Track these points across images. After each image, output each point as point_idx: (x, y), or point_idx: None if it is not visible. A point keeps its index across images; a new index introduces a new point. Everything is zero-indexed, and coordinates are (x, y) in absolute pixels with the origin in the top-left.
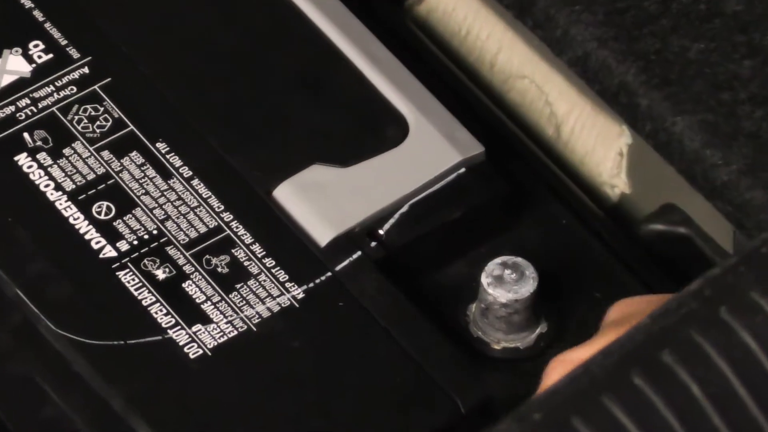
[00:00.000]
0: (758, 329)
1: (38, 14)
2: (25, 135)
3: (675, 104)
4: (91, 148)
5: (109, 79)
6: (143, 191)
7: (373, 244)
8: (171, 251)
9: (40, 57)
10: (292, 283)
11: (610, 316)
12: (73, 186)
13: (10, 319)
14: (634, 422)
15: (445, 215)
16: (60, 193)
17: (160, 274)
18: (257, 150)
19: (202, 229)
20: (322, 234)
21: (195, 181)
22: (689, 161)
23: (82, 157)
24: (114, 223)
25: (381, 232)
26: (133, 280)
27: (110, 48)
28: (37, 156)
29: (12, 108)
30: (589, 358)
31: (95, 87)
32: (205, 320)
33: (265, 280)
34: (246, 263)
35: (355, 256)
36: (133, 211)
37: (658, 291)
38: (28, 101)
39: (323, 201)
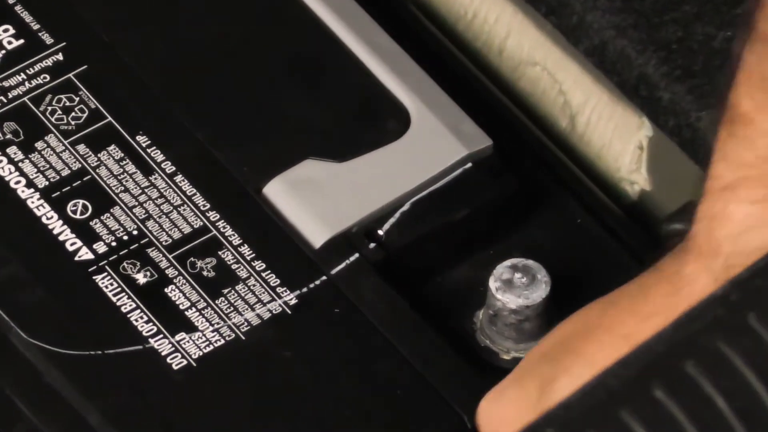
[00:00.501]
0: None
1: None
2: None
3: (699, 98)
4: (65, 142)
5: (85, 66)
6: (122, 188)
7: (372, 245)
8: (152, 253)
9: (10, 43)
10: (284, 288)
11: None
12: (46, 183)
13: None
14: None
15: (450, 214)
16: (32, 190)
17: (141, 278)
18: (246, 144)
19: (187, 230)
20: (317, 235)
21: (178, 178)
22: None
23: (56, 152)
24: (90, 223)
25: (380, 232)
26: (112, 284)
27: (86, 33)
28: (7, 150)
29: None
30: (604, 369)
31: (70, 75)
32: (190, 328)
33: (254, 285)
34: (234, 266)
35: (352, 258)
36: (112, 210)
37: None
38: None
39: (318, 199)
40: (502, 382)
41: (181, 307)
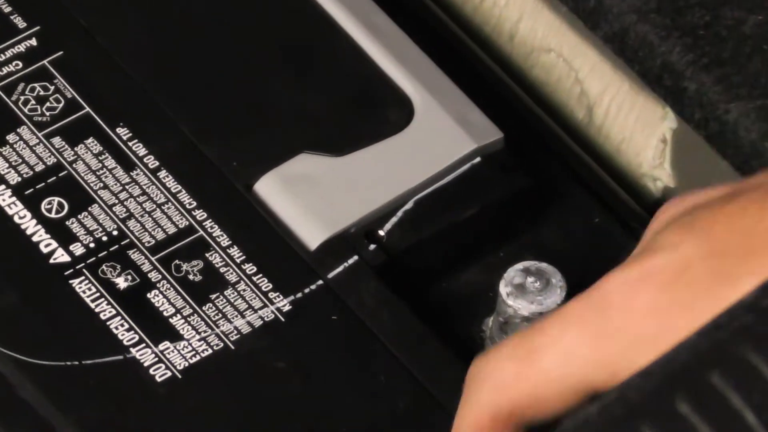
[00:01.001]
0: None
1: None
2: None
3: (728, 88)
4: (39, 134)
5: (61, 52)
6: (101, 185)
7: (372, 247)
8: (134, 255)
9: None
10: (277, 294)
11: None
12: (19, 179)
13: None
14: None
15: (457, 213)
16: (3, 187)
17: (122, 283)
18: (235, 136)
19: (171, 230)
20: (312, 235)
21: (162, 173)
22: (746, 155)
23: (29, 145)
24: (67, 223)
25: (381, 233)
26: (90, 289)
27: (62, 16)
28: None
29: None
30: (624, 381)
31: (44, 62)
32: (174, 337)
33: (244, 290)
34: (222, 270)
35: (350, 261)
36: (90, 209)
37: None
38: None
39: (313, 196)
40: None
41: (165, 313)
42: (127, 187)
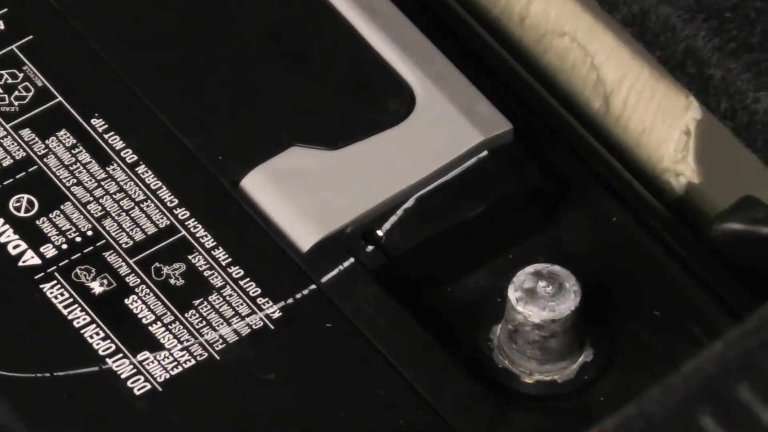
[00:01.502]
0: None
1: None
2: None
3: (758, 75)
4: (7, 126)
5: (30, 36)
6: (75, 181)
7: (370, 248)
8: (110, 258)
9: None
10: (266, 299)
11: None
12: None
13: None
14: None
15: (462, 212)
16: None
17: (97, 288)
18: (220, 128)
19: (150, 230)
20: (305, 236)
21: (141, 168)
22: None
23: None
24: (37, 222)
25: (379, 233)
26: (62, 294)
27: None
28: None
29: None
30: (644, 395)
31: (12, 47)
32: (154, 347)
33: (230, 295)
34: (206, 273)
35: (346, 264)
36: (62, 207)
37: (735, 307)
38: None
39: (305, 193)
40: None
41: (144, 321)
42: (102, 183)
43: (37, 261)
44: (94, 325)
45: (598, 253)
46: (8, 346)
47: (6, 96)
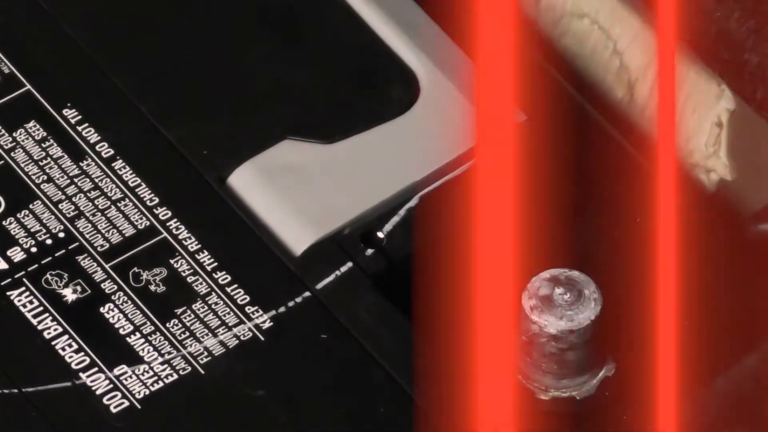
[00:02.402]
0: None
1: None
2: None
3: None
4: None
5: None
6: (45, 178)
7: (369, 251)
8: (84, 262)
9: None
10: (255, 308)
11: None
12: None
13: None
14: None
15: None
16: None
17: (69, 295)
18: (205, 120)
19: (129, 231)
20: (298, 238)
21: (118, 164)
22: None
23: None
24: (4, 223)
25: (380, 235)
26: (32, 302)
27: None
28: None
29: None
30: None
31: None
32: (133, 360)
33: (216, 303)
34: (190, 279)
35: (343, 268)
36: (31, 206)
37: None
38: None
39: (298, 191)
40: None
41: (121, 332)
42: (75, 180)
43: (3, 266)
44: (66, 336)
45: (619, 257)
46: None
47: None
